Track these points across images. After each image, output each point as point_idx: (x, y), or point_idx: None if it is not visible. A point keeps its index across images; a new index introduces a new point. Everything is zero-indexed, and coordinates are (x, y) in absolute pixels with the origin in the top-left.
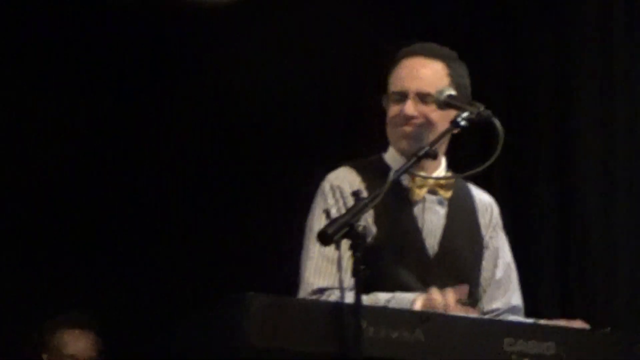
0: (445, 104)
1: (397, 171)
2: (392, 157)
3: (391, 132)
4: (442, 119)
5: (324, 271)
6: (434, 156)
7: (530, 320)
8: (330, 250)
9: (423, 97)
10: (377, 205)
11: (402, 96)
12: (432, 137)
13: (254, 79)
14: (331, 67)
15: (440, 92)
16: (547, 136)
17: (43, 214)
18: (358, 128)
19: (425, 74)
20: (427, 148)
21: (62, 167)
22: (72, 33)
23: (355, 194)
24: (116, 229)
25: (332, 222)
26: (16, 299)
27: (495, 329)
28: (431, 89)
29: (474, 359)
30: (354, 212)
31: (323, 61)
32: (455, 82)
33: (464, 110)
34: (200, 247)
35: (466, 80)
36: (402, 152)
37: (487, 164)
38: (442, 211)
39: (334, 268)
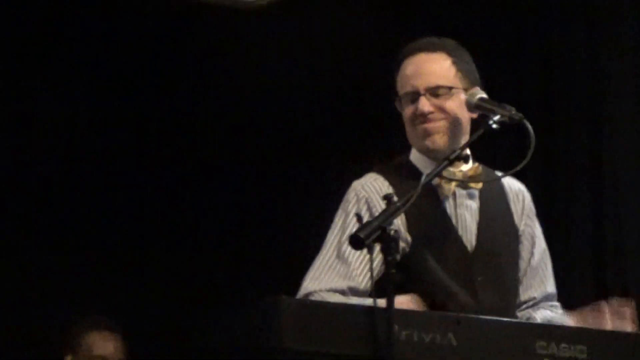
0: (476, 106)
1: (428, 175)
2: (417, 158)
3: (412, 133)
4: (458, 108)
5: (319, 277)
6: (465, 159)
7: (560, 312)
8: (336, 259)
9: (434, 91)
10: (408, 210)
11: (414, 95)
12: (453, 127)
13: (271, 81)
14: (348, 68)
15: (472, 95)
16: (580, 132)
17: (64, 216)
18: (385, 128)
19: (431, 68)
20: (458, 151)
21: (83, 168)
22: (81, 34)
23: (387, 198)
24: (138, 231)
25: (364, 225)
26: (36, 301)
27: (528, 332)
28: (440, 81)
29: None
30: (386, 216)
31: (340, 61)
32: (461, 69)
33: (495, 113)
34: (224, 249)
35: (471, 66)
36: (426, 151)
37: (520, 166)
38: (474, 205)
39: (331, 274)
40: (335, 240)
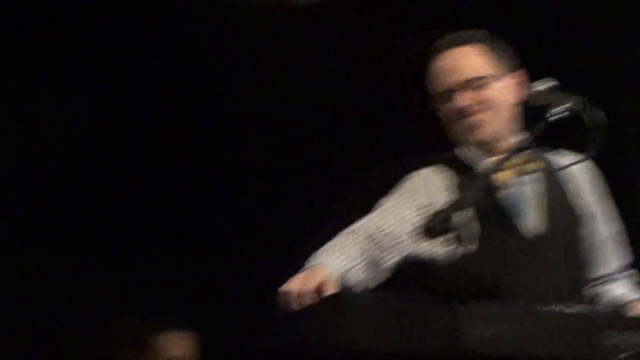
0: (539, 96)
1: (495, 163)
2: (464, 153)
3: (456, 129)
4: (498, 95)
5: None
6: (528, 148)
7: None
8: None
9: (469, 84)
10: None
11: (449, 93)
12: (496, 116)
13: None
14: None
15: (535, 85)
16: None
17: (133, 215)
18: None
19: (461, 62)
20: (522, 142)
21: (148, 164)
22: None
23: (460, 187)
24: (207, 229)
25: (434, 216)
26: (110, 300)
27: (594, 321)
28: (472, 73)
29: (572, 353)
30: (456, 206)
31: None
32: (493, 56)
33: (560, 103)
34: (291, 247)
35: (505, 51)
36: (472, 144)
37: (582, 159)
38: (531, 191)
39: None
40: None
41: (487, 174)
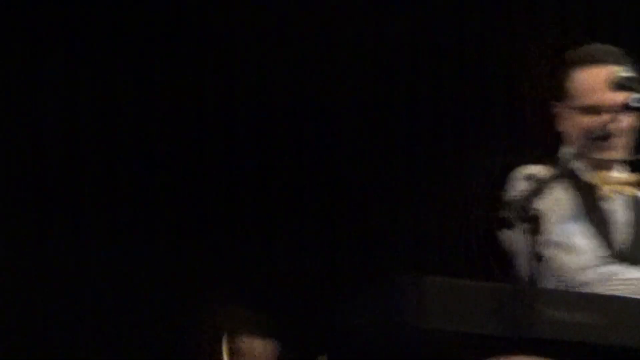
0: (619, 86)
1: (576, 154)
2: (571, 158)
3: (586, 144)
4: (634, 121)
5: None
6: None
7: None
8: None
9: (621, 108)
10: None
11: (597, 109)
12: (627, 140)
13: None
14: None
15: (616, 71)
16: None
17: (210, 207)
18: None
19: None
20: (601, 132)
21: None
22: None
23: (529, 177)
24: (272, 220)
25: (508, 205)
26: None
27: None
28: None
29: None
30: (529, 196)
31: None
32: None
33: (638, 92)
34: (358, 231)
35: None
36: (598, 161)
37: None
38: (631, 214)
39: None
40: None
41: (567, 164)
